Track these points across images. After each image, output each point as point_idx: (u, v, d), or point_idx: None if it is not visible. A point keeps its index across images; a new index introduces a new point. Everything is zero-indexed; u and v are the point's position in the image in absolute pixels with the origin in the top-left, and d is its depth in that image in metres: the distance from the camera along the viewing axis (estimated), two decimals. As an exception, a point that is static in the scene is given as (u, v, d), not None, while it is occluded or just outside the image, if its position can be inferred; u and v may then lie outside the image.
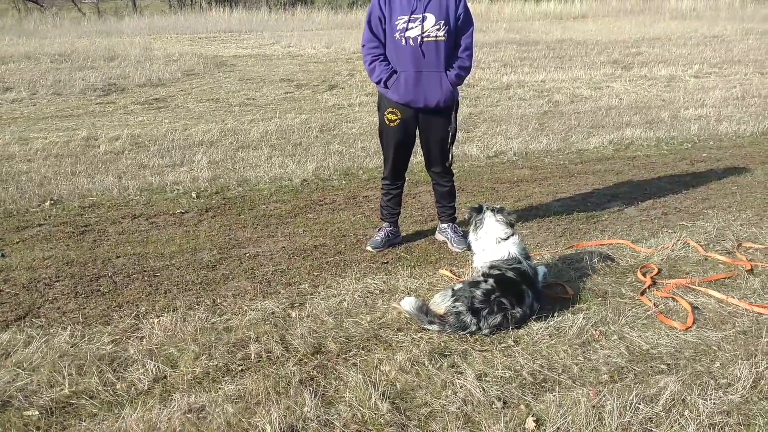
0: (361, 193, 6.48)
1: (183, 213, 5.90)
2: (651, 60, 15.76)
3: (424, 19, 4.54)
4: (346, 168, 7.31)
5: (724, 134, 8.99)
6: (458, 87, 4.78)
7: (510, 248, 4.06)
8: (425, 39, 4.56)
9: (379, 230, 5.19)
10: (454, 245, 5.06)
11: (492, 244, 4.13)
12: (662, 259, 4.80)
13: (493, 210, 4.28)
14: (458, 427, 2.90)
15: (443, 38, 4.58)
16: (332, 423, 2.97)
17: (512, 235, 4.17)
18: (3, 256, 4.89)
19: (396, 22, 4.59)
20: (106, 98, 11.72)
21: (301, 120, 9.72)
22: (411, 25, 4.55)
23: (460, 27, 4.65)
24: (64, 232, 5.41)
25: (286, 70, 14.88)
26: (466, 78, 4.85)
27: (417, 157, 7.63)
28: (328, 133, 8.96)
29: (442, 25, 4.55)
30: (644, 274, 4.51)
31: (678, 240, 5.09)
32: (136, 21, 25.21)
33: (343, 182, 6.86)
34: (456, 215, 5.22)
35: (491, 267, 4.00)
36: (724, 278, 4.47)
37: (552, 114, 10.29)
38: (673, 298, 4.16)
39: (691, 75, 13.93)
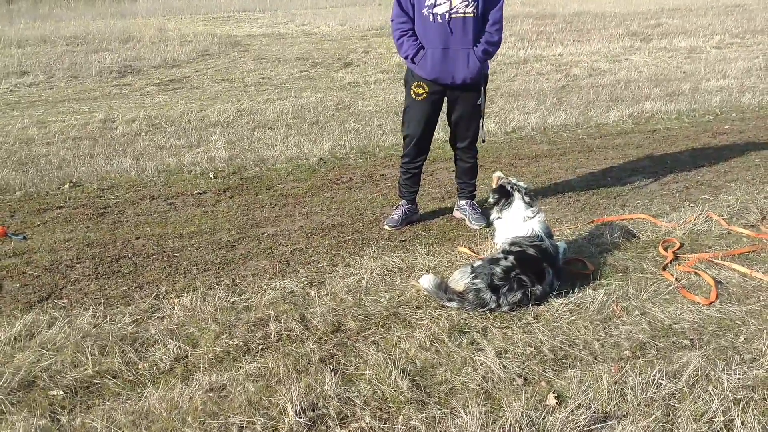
0: (378, 171, 6.45)
1: (201, 193, 5.91)
2: (671, 31, 15.47)
3: None
4: (362, 146, 7.27)
5: (747, 106, 8.82)
6: (488, 61, 4.71)
7: (534, 226, 4.02)
8: (453, 15, 4.48)
9: (396, 208, 5.17)
10: (473, 222, 5.02)
11: (519, 221, 4.07)
12: (684, 234, 4.74)
13: (520, 190, 4.21)
14: (479, 404, 2.89)
15: (471, 14, 4.49)
16: (353, 400, 2.97)
17: (538, 213, 4.12)
18: (25, 238, 4.95)
19: None
20: (122, 80, 11.75)
21: (317, 99, 9.68)
22: (439, 0, 4.47)
23: (488, 1, 4.55)
24: (84, 213, 5.45)
25: (300, 49, 14.80)
26: (496, 52, 4.76)
27: (435, 134, 7.58)
28: (343, 112, 8.92)
29: (471, 1, 4.46)
30: (666, 249, 4.45)
31: (700, 214, 5.02)
32: (150, 2, 25.16)
33: (360, 160, 6.83)
34: (475, 192, 5.18)
35: (512, 244, 3.96)
36: (748, 252, 4.40)
37: (570, 88, 10.16)
38: (695, 273, 4.11)
39: (712, 46, 13.66)
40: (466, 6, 4.46)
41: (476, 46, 4.57)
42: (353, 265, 4.38)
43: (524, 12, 19.74)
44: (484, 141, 5.01)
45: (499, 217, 4.21)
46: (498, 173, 4.48)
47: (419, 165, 5.08)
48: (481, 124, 4.90)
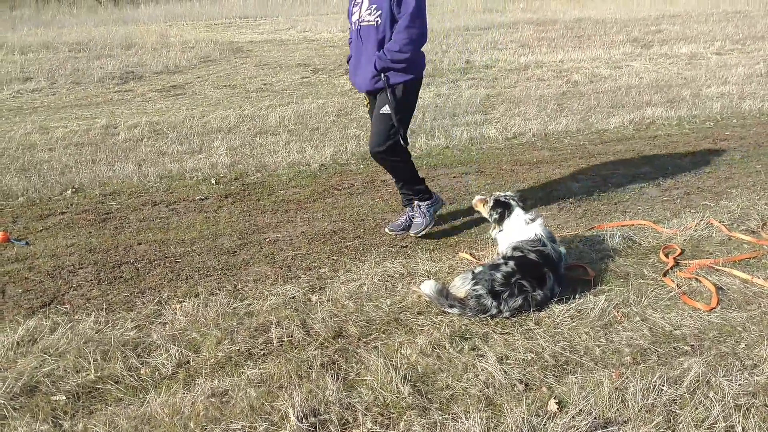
0: (379, 177, 6.46)
1: (203, 199, 5.93)
2: (671, 38, 15.50)
3: (362, 3, 4.55)
4: (363, 152, 7.28)
5: (748, 112, 8.83)
6: (399, 68, 4.53)
7: (536, 230, 4.05)
8: (361, 24, 4.57)
9: (402, 213, 5.19)
10: (410, 230, 5.00)
11: (521, 226, 4.12)
12: (685, 240, 4.74)
13: (514, 199, 4.31)
14: (480, 410, 2.90)
15: (374, 23, 4.49)
16: (354, 406, 2.98)
17: (537, 216, 4.17)
18: (27, 244, 4.96)
19: (350, 8, 4.72)
20: (124, 86, 11.78)
21: (318, 105, 9.70)
22: (354, 9, 4.63)
23: (396, 9, 4.43)
24: (86, 219, 5.47)
25: (302, 55, 14.83)
26: (398, 59, 4.48)
27: (434, 139, 7.61)
28: (345, 118, 8.93)
29: (374, 9, 4.48)
30: (667, 255, 4.46)
31: (701, 220, 5.03)
32: (152, 8, 25.24)
33: (361, 166, 6.84)
34: (413, 198, 5.01)
35: (514, 248, 3.99)
36: (749, 258, 4.41)
37: (571, 94, 10.17)
38: (696, 279, 4.11)
39: (712, 52, 13.68)
40: (369, 14, 4.50)
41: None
42: (354, 270, 4.39)
43: (525, 18, 19.79)
44: (406, 144, 4.75)
45: (500, 230, 4.24)
46: (478, 196, 4.56)
47: None
48: (393, 133, 4.66)
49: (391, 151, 4.73)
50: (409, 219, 5.07)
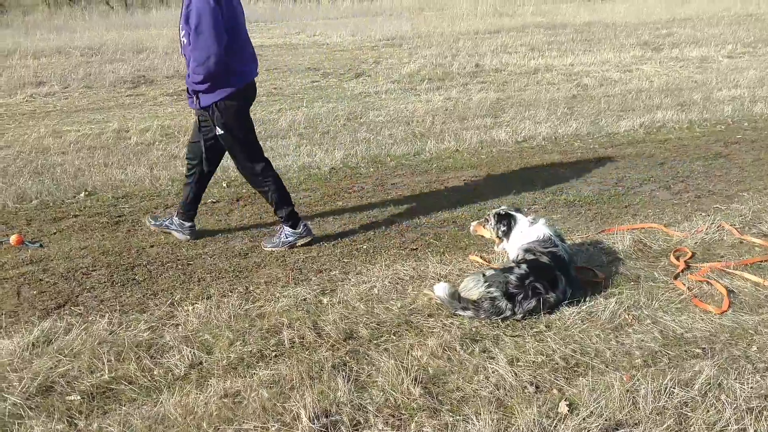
0: (389, 180, 6.49)
1: (214, 202, 5.97)
2: (682, 41, 15.45)
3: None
4: (373, 155, 7.31)
5: (759, 115, 8.79)
6: (203, 89, 4.45)
7: (543, 230, 4.08)
8: (182, 41, 4.43)
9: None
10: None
11: (526, 229, 4.19)
12: (696, 243, 4.74)
13: (511, 209, 4.43)
14: (491, 412, 2.91)
15: (185, 41, 4.37)
16: (365, 407, 3.00)
17: (539, 218, 4.23)
18: (41, 246, 5.01)
19: None
20: (135, 90, 11.86)
21: (328, 108, 9.73)
22: None
23: (191, 27, 4.23)
24: (99, 222, 5.52)
25: (312, 59, 14.88)
26: (197, 83, 4.44)
27: (444, 143, 7.62)
28: (355, 121, 8.96)
29: (181, 27, 4.36)
30: (677, 258, 4.45)
31: (712, 223, 5.02)
32: (163, 13, 25.38)
33: (371, 170, 6.87)
34: (283, 223, 4.89)
35: (526, 251, 4.03)
36: (761, 261, 4.40)
37: (581, 98, 10.16)
38: (707, 282, 4.11)
39: (724, 55, 13.63)
40: (182, 33, 4.36)
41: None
42: (365, 273, 4.41)
43: (535, 22, 19.77)
44: (253, 176, 4.81)
45: (509, 238, 4.29)
46: (473, 223, 4.64)
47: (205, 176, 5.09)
48: (236, 156, 4.70)
49: (249, 169, 4.78)
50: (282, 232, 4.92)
